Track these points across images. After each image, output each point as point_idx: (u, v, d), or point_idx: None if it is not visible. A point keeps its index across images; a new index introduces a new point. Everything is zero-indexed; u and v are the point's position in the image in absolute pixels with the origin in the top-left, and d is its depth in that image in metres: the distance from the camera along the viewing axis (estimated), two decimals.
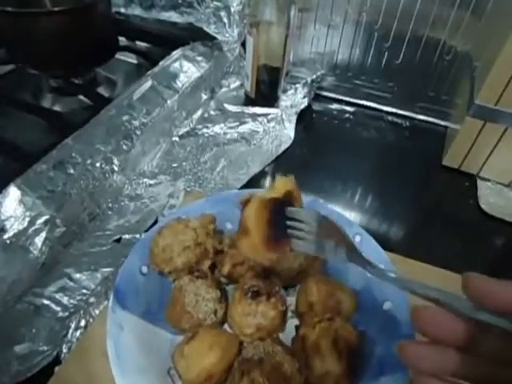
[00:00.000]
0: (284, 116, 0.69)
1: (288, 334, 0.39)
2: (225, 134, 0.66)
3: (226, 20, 0.73)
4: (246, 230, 0.33)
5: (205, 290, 0.38)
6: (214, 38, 0.75)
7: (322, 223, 0.32)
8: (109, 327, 0.35)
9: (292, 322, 0.40)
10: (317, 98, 0.76)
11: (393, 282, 0.28)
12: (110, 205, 0.53)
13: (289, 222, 0.33)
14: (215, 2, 0.73)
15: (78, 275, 0.45)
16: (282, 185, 0.34)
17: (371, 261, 0.31)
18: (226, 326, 0.40)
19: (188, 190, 0.56)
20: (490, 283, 0.21)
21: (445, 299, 0.23)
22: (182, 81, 0.66)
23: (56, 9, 0.60)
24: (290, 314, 0.41)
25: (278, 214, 0.33)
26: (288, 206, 0.33)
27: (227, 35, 0.75)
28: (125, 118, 0.55)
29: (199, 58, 0.71)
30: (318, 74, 0.76)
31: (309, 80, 0.74)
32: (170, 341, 0.38)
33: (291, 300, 0.42)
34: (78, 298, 0.43)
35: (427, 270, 0.45)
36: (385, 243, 0.44)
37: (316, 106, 0.76)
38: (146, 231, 0.49)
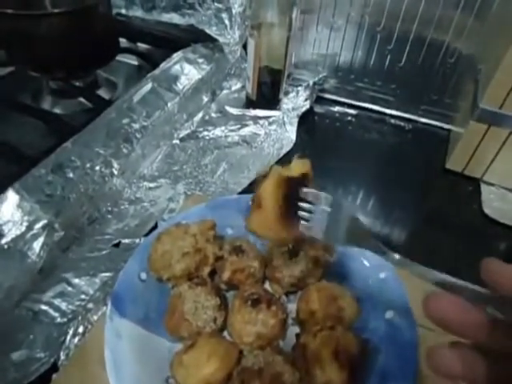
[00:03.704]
0: (285, 119, 0.68)
1: (288, 342, 0.38)
2: (226, 136, 0.66)
3: (227, 22, 0.73)
4: (259, 205, 0.33)
5: (204, 298, 0.38)
6: (216, 40, 0.74)
7: (336, 208, 0.32)
8: (106, 336, 0.35)
9: (293, 330, 0.40)
10: (319, 100, 0.75)
11: (407, 268, 0.28)
12: (110, 208, 0.53)
13: (301, 204, 0.32)
14: (216, 4, 0.72)
15: (76, 280, 0.44)
16: (298, 166, 0.34)
17: (385, 248, 0.30)
18: (225, 333, 0.40)
19: (188, 193, 0.56)
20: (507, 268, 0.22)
21: (460, 285, 0.23)
22: (183, 83, 0.65)
23: (56, 10, 0.60)
24: (290, 321, 0.40)
25: (293, 194, 0.33)
26: (302, 187, 0.33)
27: (228, 37, 0.74)
28: (125, 120, 0.55)
29: (200, 60, 0.70)
30: (320, 76, 0.75)
31: (311, 82, 0.74)
32: (169, 349, 0.37)
33: (292, 307, 0.41)
34: (77, 303, 0.42)
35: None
36: (386, 247, 0.43)
37: (318, 109, 0.75)
38: (146, 235, 0.48)
